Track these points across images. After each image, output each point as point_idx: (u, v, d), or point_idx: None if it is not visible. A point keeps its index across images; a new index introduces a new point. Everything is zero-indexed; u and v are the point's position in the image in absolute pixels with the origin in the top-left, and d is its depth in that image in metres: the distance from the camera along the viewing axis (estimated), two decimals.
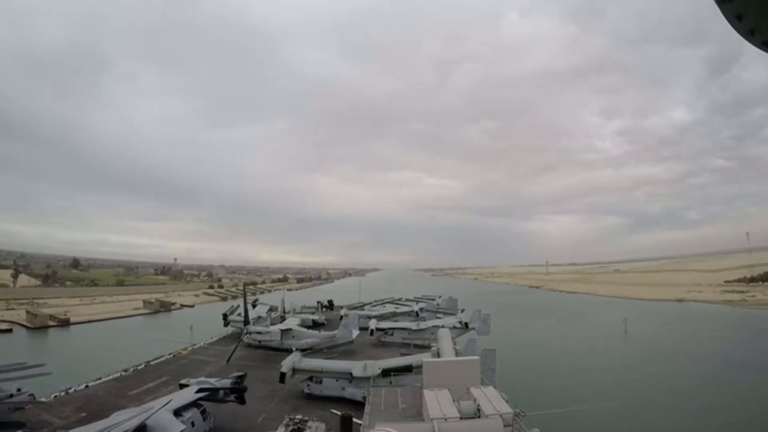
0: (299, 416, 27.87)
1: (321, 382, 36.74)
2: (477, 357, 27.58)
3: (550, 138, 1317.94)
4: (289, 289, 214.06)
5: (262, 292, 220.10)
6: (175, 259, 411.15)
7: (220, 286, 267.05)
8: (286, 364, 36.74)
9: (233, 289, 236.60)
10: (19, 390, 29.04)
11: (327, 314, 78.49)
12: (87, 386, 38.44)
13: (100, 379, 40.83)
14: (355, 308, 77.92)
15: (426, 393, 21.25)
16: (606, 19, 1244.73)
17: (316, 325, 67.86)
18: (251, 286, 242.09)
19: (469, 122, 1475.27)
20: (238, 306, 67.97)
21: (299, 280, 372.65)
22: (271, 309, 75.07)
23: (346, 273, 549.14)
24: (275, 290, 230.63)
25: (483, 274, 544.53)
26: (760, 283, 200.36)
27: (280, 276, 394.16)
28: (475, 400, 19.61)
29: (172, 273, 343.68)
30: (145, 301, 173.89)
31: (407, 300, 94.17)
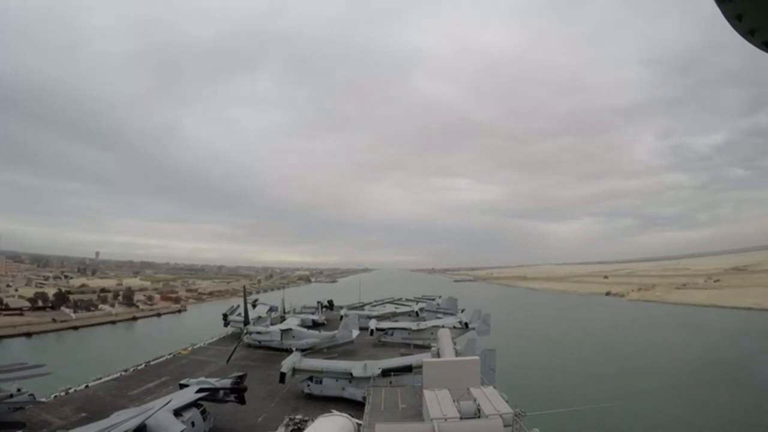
0: (299, 416, 27.88)
1: (321, 382, 36.73)
2: (477, 357, 27.54)
3: (606, 151, 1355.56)
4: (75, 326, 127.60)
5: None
6: (97, 254, 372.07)
7: None
8: (286, 364, 36.73)
9: None
10: (19, 390, 29.01)
11: (327, 314, 78.59)
12: (87, 386, 38.48)
13: (100, 379, 40.83)
14: (355, 308, 78.07)
15: (426, 393, 21.19)
16: (703, 68, 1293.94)
17: (316, 325, 67.91)
18: None
19: (547, 138, 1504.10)
20: (238, 306, 67.94)
21: (165, 296, 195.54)
22: (271, 309, 75.30)
23: (309, 277, 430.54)
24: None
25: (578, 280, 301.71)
26: None
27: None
28: (475, 400, 19.57)
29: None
30: None
31: (407, 300, 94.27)
